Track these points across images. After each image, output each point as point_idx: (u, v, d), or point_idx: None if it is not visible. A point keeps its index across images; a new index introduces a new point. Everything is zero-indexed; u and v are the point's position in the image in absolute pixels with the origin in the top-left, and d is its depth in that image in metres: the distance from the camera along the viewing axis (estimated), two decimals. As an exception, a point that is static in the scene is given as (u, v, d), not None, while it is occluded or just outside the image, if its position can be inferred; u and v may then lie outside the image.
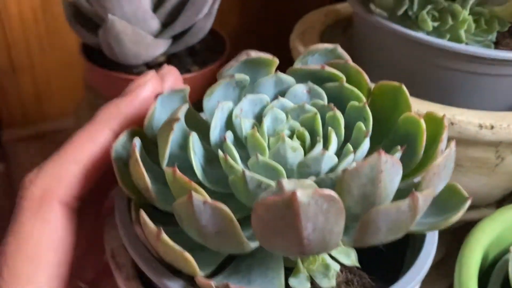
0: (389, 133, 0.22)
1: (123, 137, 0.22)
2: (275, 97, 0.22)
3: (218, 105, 0.21)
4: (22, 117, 0.65)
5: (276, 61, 0.23)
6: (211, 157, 0.22)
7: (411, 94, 0.32)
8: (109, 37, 0.35)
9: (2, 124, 0.65)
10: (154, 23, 0.38)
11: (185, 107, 0.21)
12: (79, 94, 0.66)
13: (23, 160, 0.63)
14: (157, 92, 0.23)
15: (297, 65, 0.25)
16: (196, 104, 0.23)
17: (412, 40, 0.31)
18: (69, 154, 0.22)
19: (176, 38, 0.41)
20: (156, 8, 0.39)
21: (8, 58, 0.60)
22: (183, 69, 0.43)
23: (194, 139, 0.21)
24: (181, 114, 0.21)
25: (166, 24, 0.40)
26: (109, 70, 0.40)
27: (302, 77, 0.23)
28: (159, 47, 0.38)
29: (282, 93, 0.23)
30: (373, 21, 0.33)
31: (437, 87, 0.32)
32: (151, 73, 0.24)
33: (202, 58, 0.44)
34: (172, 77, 0.24)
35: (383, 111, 0.23)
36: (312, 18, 0.42)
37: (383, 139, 0.23)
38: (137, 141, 0.20)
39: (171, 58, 0.43)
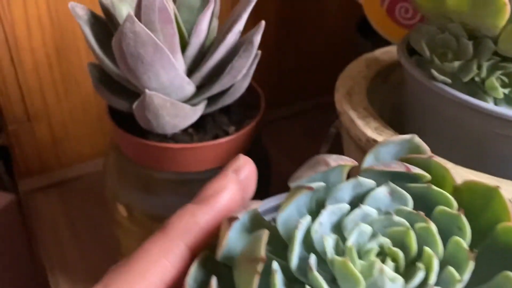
0: (483, 239, 0.20)
1: (194, 270, 0.19)
2: (353, 203, 0.20)
3: (299, 226, 0.19)
4: (39, 165, 0.63)
5: (355, 165, 0.21)
6: (289, 276, 0.19)
7: (473, 167, 0.29)
8: (146, 112, 0.32)
9: (19, 174, 0.62)
10: (190, 88, 0.35)
11: (266, 237, 0.19)
12: (96, 139, 0.64)
13: (42, 209, 0.61)
14: (236, 198, 0.21)
15: (370, 159, 0.23)
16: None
17: (481, 111, 0.28)
18: (138, 272, 0.19)
19: (211, 99, 0.38)
20: (190, 72, 0.36)
21: (23, 107, 0.58)
22: (219, 130, 0.40)
23: (279, 278, 0.18)
24: (264, 251, 0.18)
25: (201, 86, 0.37)
26: (141, 137, 0.37)
27: (380, 175, 0.21)
28: (196, 114, 0.36)
29: (361, 196, 0.21)
30: (433, 87, 0.30)
31: (507, 160, 0.30)
32: (229, 176, 0.21)
33: (237, 116, 0.42)
34: (247, 170, 0.22)
35: (471, 210, 0.21)
36: (353, 71, 0.39)
37: (476, 244, 0.20)
38: (214, 283, 0.18)
39: (205, 118, 0.40)
